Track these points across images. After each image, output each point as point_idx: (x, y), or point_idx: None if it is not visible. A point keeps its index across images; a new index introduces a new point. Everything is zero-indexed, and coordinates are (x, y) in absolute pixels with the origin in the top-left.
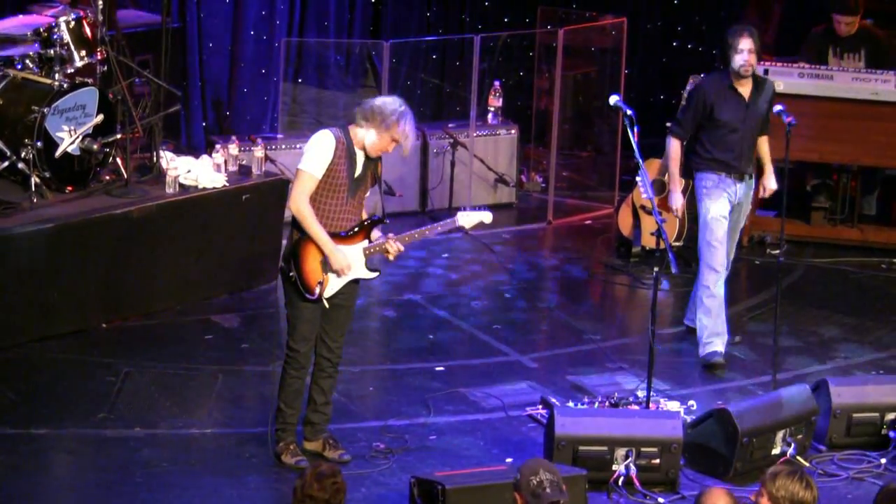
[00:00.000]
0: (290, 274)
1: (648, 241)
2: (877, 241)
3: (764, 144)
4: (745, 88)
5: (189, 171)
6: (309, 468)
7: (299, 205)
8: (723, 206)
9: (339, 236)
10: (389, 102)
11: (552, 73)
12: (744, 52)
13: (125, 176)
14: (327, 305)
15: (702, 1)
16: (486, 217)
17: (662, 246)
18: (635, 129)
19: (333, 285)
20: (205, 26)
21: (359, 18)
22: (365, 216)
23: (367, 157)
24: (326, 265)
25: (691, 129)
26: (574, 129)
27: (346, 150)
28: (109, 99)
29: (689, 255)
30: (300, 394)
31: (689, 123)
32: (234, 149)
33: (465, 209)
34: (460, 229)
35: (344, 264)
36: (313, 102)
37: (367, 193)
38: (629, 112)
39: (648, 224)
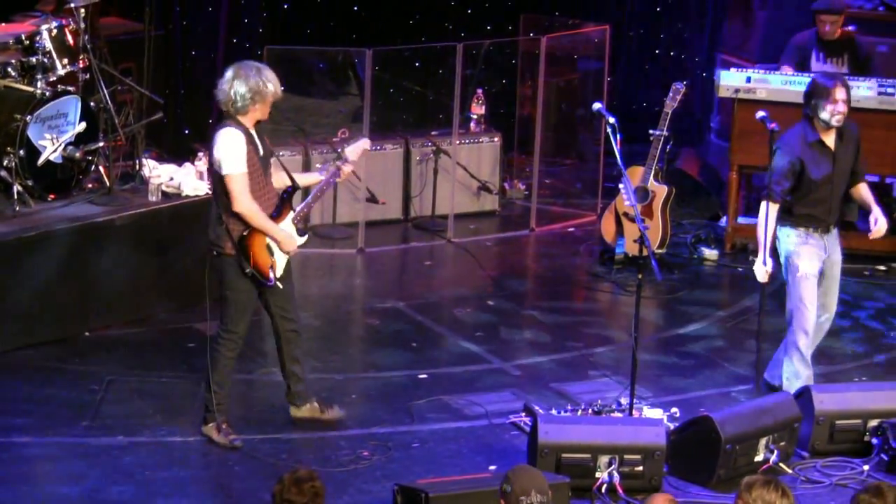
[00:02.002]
0: (247, 271)
1: (631, 249)
2: (860, 247)
3: (863, 190)
4: (830, 139)
5: (171, 179)
6: (287, 473)
7: (247, 204)
8: (813, 264)
9: (272, 218)
10: (245, 76)
11: (535, 81)
12: (839, 102)
13: (108, 184)
14: (280, 286)
15: (684, 9)
16: (366, 143)
17: (645, 253)
18: (618, 137)
19: (280, 265)
20: (188, 34)
21: (341, 26)
22: (278, 190)
23: (258, 132)
24: (271, 249)
25: (786, 189)
26: (557, 136)
27: (249, 136)
28: (92, 107)
29: (671, 262)
30: (231, 372)
31: (784, 184)
32: None
33: (347, 145)
34: (352, 164)
35: (293, 245)
36: (296, 110)
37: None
38: (612, 120)
39: (631, 231)
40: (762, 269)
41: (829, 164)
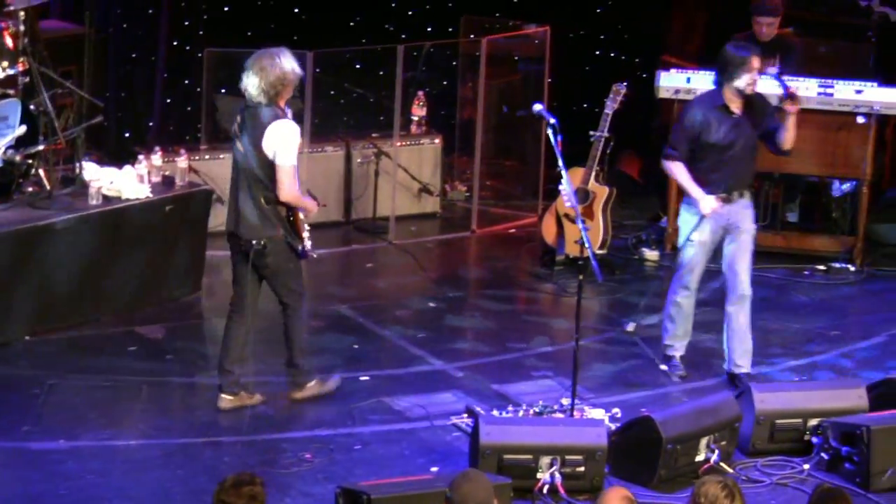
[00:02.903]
0: (300, 247)
1: (572, 250)
2: (800, 247)
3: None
4: (735, 105)
5: (112, 183)
6: (232, 475)
7: (296, 192)
8: (703, 231)
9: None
10: (275, 61)
11: (476, 83)
12: (754, 70)
13: (48, 188)
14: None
15: (624, 10)
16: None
17: (586, 254)
18: (559, 138)
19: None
20: (128, 37)
21: (282, 28)
22: None
23: None
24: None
25: (685, 149)
26: (498, 138)
27: None
28: (32, 110)
29: (612, 263)
30: None
31: (683, 144)
32: (157, 160)
33: None
34: None
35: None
36: (237, 112)
37: None
38: (552, 121)
39: (572, 232)
40: (708, 201)
41: (732, 129)
